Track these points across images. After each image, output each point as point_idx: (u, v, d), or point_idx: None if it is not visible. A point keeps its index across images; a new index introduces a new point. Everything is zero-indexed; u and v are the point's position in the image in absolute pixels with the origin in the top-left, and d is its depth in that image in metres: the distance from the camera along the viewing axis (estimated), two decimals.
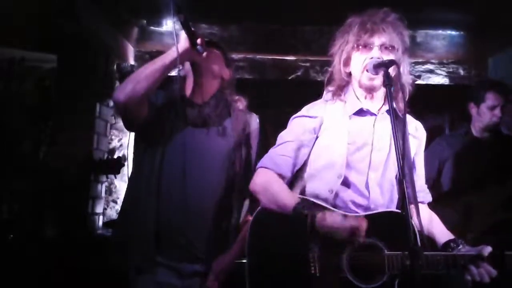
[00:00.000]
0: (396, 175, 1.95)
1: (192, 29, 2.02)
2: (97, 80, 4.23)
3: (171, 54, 2.02)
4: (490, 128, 3.21)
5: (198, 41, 2.03)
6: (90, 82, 4.14)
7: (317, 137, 2.00)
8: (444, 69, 4.85)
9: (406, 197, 1.55)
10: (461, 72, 4.86)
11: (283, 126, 2.11)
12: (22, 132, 3.78)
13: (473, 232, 2.99)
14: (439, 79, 4.82)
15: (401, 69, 1.89)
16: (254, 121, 2.30)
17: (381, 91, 1.96)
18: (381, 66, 1.80)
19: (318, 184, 1.94)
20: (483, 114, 3.20)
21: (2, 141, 3.62)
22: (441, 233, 1.98)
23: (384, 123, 1.97)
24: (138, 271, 2.04)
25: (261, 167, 1.99)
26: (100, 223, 4.44)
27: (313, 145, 2.00)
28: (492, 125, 3.19)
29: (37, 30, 3.73)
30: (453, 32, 4.68)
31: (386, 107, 1.96)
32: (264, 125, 2.39)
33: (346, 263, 1.79)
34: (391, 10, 1.95)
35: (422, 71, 4.79)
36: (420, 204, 2.00)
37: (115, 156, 4.41)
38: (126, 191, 2.25)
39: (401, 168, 1.60)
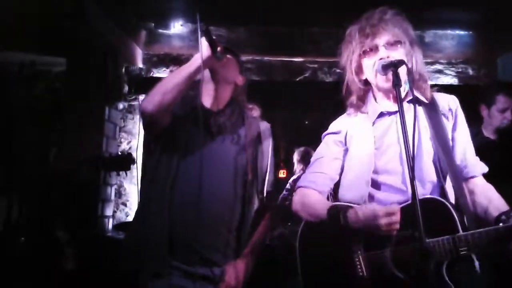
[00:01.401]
0: (433, 159, 1.91)
1: (214, 37, 2.04)
2: (106, 83, 4.25)
3: (195, 63, 2.02)
4: (501, 130, 3.19)
5: (218, 48, 2.03)
6: (99, 85, 4.16)
7: (347, 149, 2.02)
8: (453, 69, 4.83)
9: (416, 196, 1.54)
10: (470, 72, 4.84)
11: (291, 127, 2.12)
12: (32, 135, 3.81)
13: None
14: (448, 79, 4.81)
15: (414, 60, 1.90)
16: (267, 130, 2.31)
17: (402, 88, 1.91)
18: (390, 66, 1.79)
19: (351, 193, 1.96)
20: (494, 117, 3.18)
21: (12, 143, 3.65)
22: (495, 207, 1.87)
23: (408, 116, 1.87)
24: (152, 274, 2.04)
25: (299, 186, 2.05)
26: (110, 225, 4.46)
27: (344, 157, 2.03)
28: (502, 128, 3.17)
29: (46, 34, 3.76)
30: (462, 32, 4.66)
31: (408, 99, 1.94)
32: (273, 127, 2.39)
33: (390, 259, 1.78)
34: (396, 9, 1.94)
35: (431, 71, 4.78)
36: (474, 179, 1.97)
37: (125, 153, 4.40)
38: (140, 195, 2.26)
39: (411, 168, 1.58)
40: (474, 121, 3.40)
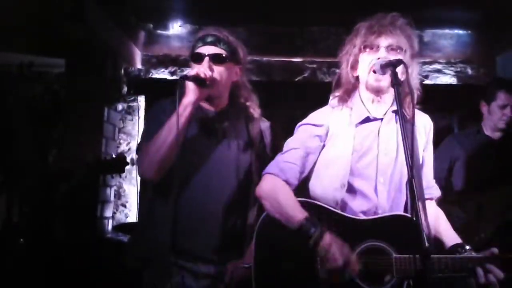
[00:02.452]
0: (405, 178, 1.93)
1: (195, 73, 2.00)
2: (105, 84, 4.25)
3: (184, 114, 1.97)
4: (501, 127, 3.19)
5: (206, 77, 2.00)
6: (98, 86, 4.16)
7: (324, 146, 1.99)
8: (452, 68, 4.83)
9: (416, 198, 1.54)
10: (469, 71, 4.84)
11: (291, 128, 2.11)
12: (32, 136, 3.81)
13: (483, 234, 2.97)
14: (447, 78, 4.80)
15: (409, 72, 1.87)
16: (268, 129, 2.31)
17: (388, 94, 1.96)
18: (389, 65, 1.78)
19: (324, 193, 1.94)
20: (494, 113, 3.19)
21: (12, 144, 3.65)
22: (448, 234, 1.96)
23: (390, 126, 1.96)
24: (156, 273, 2.05)
25: (268, 173, 1.98)
26: (110, 227, 4.46)
27: (320, 153, 1.99)
28: (502, 125, 3.17)
29: (45, 35, 3.76)
30: (461, 31, 4.66)
31: (392, 108, 1.96)
32: (272, 126, 2.39)
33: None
34: (400, 12, 1.95)
35: (430, 71, 4.78)
36: (428, 201, 2.00)
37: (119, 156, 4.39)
38: (146, 196, 2.27)
39: (410, 168, 1.59)
40: (473, 120, 3.41)
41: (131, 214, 4.67)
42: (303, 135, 2.02)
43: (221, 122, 2.16)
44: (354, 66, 1.99)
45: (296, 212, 1.83)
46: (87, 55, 4.05)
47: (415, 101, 1.87)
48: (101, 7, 3.96)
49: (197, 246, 2.06)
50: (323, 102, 2.12)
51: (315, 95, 2.22)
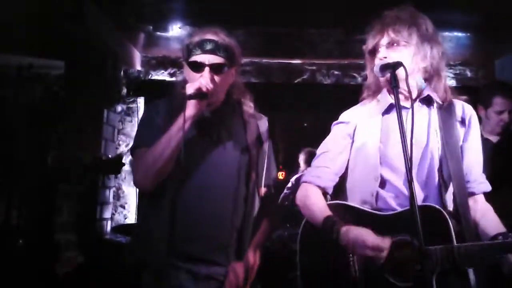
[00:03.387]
0: (437, 166, 1.90)
1: (197, 87, 1.96)
2: (104, 86, 4.25)
3: (184, 128, 1.94)
4: (498, 132, 3.17)
5: (205, 90, 2.00)
6: (98, 88, 4.16)
7: (353, 142, 2.01)
8: (451, 70, 4.84)
9: (414, 194, 1.55)
10: (468, 73, 4.85)
11: (291, 129, 2.12)
12: (31, 137, 3.81)
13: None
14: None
15: (429, 58, 1.90)
16: (264, 124, 2.29)
17: (413, 81, 1.91)
18: (388, 68, 1.79)
19: (360, 189, 1.95)
20: (491, 118, 3.16)
21: (11, 146, 3.65)
22: (492, 226, 1.87)
23: (419, 115, 1.91)
24: (155, 274, 2.05)
25: (304, 181, 2.05)
26: (109, 228, 4.45)
27: (350, 150, 2.02)
28: (499, 130, 3.15)
29: (44, 36, 3.76)
30: (460, 34, 4.66)
31: (420, 97, 1.94)
32: (271, 128, 2.38)
33: (385, 263, 1.77)
34: (414, 7, 1.96)
35: None
36: (475, 196, 1.95)
37: (115, 157, 4.40)
38: (144, 197, 2.26)
39: (409, 169, 1.59)
40: None
41: (130, 216, 4.67)
42: (333, 135, 2.07)
43: (216, 121, 2.15)
44: (373, 69, 1.98)
45: (321, 213, 1.89)
46: (86, 57, 4.05)
47: (413, 97, 1.82)
48: (101, 9, 3.96)
49: (196, 247, 2.06)
50: (322, 103, 2.13)
51: (314, 97, 2.23)
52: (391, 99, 1.95)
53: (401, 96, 1.90)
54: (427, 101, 1.95)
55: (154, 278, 2.04)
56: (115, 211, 4.63)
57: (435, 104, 1.95)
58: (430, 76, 1.95)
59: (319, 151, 2.08)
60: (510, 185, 3.04)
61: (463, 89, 4.70)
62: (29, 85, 3.92)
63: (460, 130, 1.96)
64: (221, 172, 2.11)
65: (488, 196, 2.02)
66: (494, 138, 3.22)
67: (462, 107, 2.01)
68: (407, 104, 1.90)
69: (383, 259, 1.72)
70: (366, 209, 1.90)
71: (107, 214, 4.45)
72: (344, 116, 2.08)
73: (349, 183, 2.02)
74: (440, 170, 1.89)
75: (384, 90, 2.01)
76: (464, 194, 1.88)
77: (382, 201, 1.90)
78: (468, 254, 1.69)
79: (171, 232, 2.03)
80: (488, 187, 2.00)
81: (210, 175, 2.09)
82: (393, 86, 1.73)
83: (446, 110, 1.92)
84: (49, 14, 3.53)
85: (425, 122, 1.93)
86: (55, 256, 3.49)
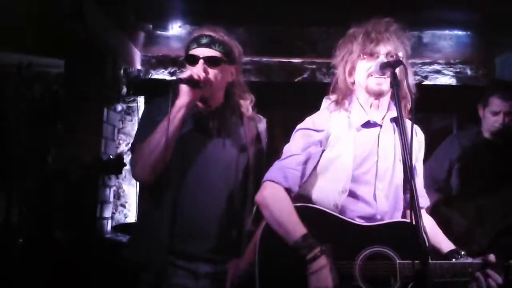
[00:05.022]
0: (402, 183, 1.97)
1: (188, 74, 1.98)
2: (104, 85, 4.25)
3: (178, 116, 1.97)
4: (493, 132, 3.15)
5: (200, 78, 2.00)
6: (97, 87, 4.16)
7: (323, 150, 1.98)
8: (451, 69, 4.83)
9: (416, 200, 1.56)
10: (468, 72, 4.84)
11: (290, 129, 2.11)
12: (31, 136, 3.81)
13: (483, 239, 2.97)
14: (446, 79, 4.80)
15: (406, 77, 1.91)
16: (263, 125, 2.30)
17: (385, 98, 1.98)
18: (388, 66, 1.80)
19: (323, 197, 1.93)
20: (487, 119, 3.15)
21: (11, 145, 3.65)
22: (443, 240, 2.02)
23: (389, 133, 1.99)
24: (154, 273, 2.05)
25: (269, 180, 1.94)
26: (109, 227, 4.45)
27: (319, 157, 1.98)
28: (494, 130, 3.13)
29: (44, 35, 3.75)
30: (460, 32, 4.66)
31: (390, 115, 1.99)
32: (271, 128, 2.38)
33: (359, 272, 1.80)
34: (400, 12, 1.96)
35: (429, 72, 4.78)
36: (422, 210, 2.06)
37: (116, 157, 4.39)
38: (143, 198, 2.27)
39: (409, 168, 1.59)
40: (473, 121, 3.40)
41: (130, 215, 4.67)
42: (303, 140, 1.99)
43: (216, 120, 2.16)
44: (351, 72, 2.00)
45: (296, 228, 1.80)
46: (86, 56, 4.05)
47: (410, 105, 1.90)
48: (101, 8, 3.96)
49: (195, 245, 2.06)
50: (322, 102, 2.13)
51: (315, 96, 2.22)
52: (367, 116, 1.98)
53: (372, 110, 1.99)
54: (394, 119, 2.00)
55: (154, 277, 2.04)
56: (116, 210, 4.62)
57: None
58: (401, 94, 1.95)
59: (287, 152, 2.00)
60: (510, 187, 3.04)
61: (464, 87, 4.70)
62: (29, 84, 3.92)
63: (414, 150, 2.01)
64: (220, 171, 2.12)
65: (491, 196, 2.10)
66: (493, 138, 3.20)
67: (416, 131, 2.08)
68: (378, 119, 1.98)
69: None
70: (342, 217, 1.88)
71: (108, 213, 4.44)
72: (315, 123, 2.02)
73: (314, 193, 1.97)
74: (404, 183, 1.97)
75: (355, 102, 2.02)
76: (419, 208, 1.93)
77: (347, 212, 1.90)
78: (442, 271, 1.79)
79: (171, 231, 2.03)
80: (428, 202, 2.16)
81: (209, 174, 2.10)
82: (394, 84, 1.74)
83: (405, 130, 1.95)
84: (49, 13, 3.53)
85: (393, 139, 1.99)
86: (54, 255, 3.49)
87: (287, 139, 2.09)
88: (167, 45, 4.75)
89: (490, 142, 3.20)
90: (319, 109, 2.15)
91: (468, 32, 4.65)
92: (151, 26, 4.61)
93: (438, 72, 4.80)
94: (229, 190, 2.14)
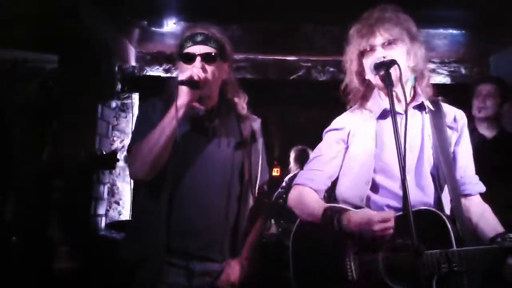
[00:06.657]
0: (431, 169, 1.92)
1: (189, 75, 1.98)
2: (99, 81, 4.24)
3: (177, 116, 1.95)
4: (480, 118, 3.23)
5: (199, 79, 2.00)
6: (92, 83, 4.15)
7: (347, 147, 2.01)
8: (446, 68, 4.85)
9: (408, 198, 1.55)
10: (463, 71, 4.86)
11: (285, 125, 2.12)
12: (26, 133, 3.79)
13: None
14: (441, 78, 4.83)
15: (414, 57, 1.90)
16: (257, 123, 2.31)
17: (407, 88, 1.91)
18: (382, 66, 1.79)
19: (350, 193, 1.96)
20: (473, 106, 3.25)
21: (6, 141, 3.63)
22: (490, 227, 1.89)
23: (413, 121, 1.93)
24: (150, 272, 2.05)
25: (297, 184, 2.06)
26: (103, 224, 4.45)
27: (344, 155, 2.02)
28: (481, 116, 3.22)
29: (39, 31, 3.74)
30: (454, 31, 4.68)
31: (414, 103, 1.95)
32: (267, 125, 2.39)
33: (382, 265, 1.78)
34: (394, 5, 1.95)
35: None
36: (471, 197, 1.99)
37: (109, 152, 4.38)
38: (138, 195, 2.27)
39: (403, 168, 1.59)
40: (467, 119, 3.42)
41: (125, 212, 4.67)
42: (326, 141, 2.07)
43: (212, 120, 2.16)
44: (361, 71, 1.98)
45: (318, 207, 1.90)
46: (81, 52, 4.03)
47: (407, 97, 1.82)
48: (96, 4, 3.94)
49: (191, 244, 2.07)
50: (318, 100, 2.13)
51: (310, 94, 2.23)
52: (384, 104, 1.95)
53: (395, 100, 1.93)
54: (419, 106, 1.97)
55: (149, 275, 2.04)
56: (110, 207, 4.62)
57: (427, 109, 1.96)
58: (417, 75, 1.96)
59: (312, 155, 2.09)
60: (505, 182, 3.06)
61: (458, 86, 4.72)
62: (23, 80, 3.90)
63: (451, 135, 1.99)
64: (216, 170, 2.12)
65: (487, 192, 2.05)
66: (489, 134, 3.24)
67: (454, 113, 2.04)
68: (400, 109, 1.89)
69: (391, 230, 1.70)
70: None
71: (102, 210, 4.44)
72: (337, 122, 2.07)
73: (340, 189, 2.02)
74: (435, 173, 1.91)
75: (375, 95, 2.00)
76: (457, 197, 1.89)
77: (375, 206, 1.89)
78: (466, 259, 1.69)
79: (167, 229, 2.03)
80: (483, 188, 2.03)
81: (205, 173, 2.10)
82: (388, 84, 1.73)
83: (437, 115, 1.94)
84: (44, 9, 3.51)
85: (419, 127, 1.95)
86: (49, 253, 3.48)
87: (282, 136, 2.10)
88: (161, 42, 4.75)
89: (484, 137, 3.24)
90: (313, 106, 2.16)
91: (463, 31, 4.66)
92: (146, 22, 4.60)
93: (432, 71, 4.81)
94: (225, 189, 2.14)
